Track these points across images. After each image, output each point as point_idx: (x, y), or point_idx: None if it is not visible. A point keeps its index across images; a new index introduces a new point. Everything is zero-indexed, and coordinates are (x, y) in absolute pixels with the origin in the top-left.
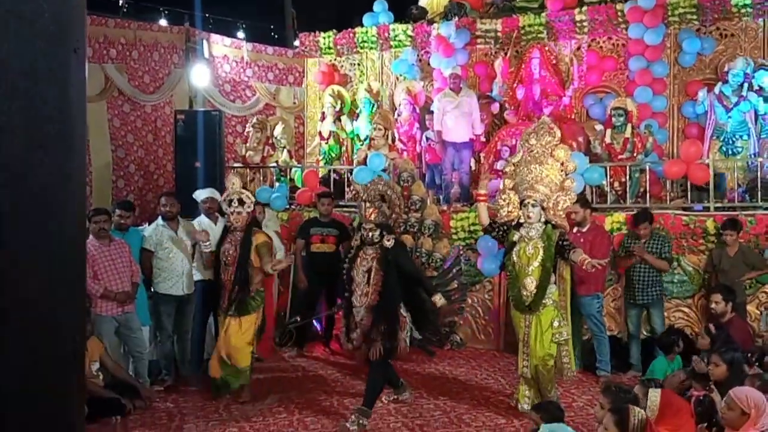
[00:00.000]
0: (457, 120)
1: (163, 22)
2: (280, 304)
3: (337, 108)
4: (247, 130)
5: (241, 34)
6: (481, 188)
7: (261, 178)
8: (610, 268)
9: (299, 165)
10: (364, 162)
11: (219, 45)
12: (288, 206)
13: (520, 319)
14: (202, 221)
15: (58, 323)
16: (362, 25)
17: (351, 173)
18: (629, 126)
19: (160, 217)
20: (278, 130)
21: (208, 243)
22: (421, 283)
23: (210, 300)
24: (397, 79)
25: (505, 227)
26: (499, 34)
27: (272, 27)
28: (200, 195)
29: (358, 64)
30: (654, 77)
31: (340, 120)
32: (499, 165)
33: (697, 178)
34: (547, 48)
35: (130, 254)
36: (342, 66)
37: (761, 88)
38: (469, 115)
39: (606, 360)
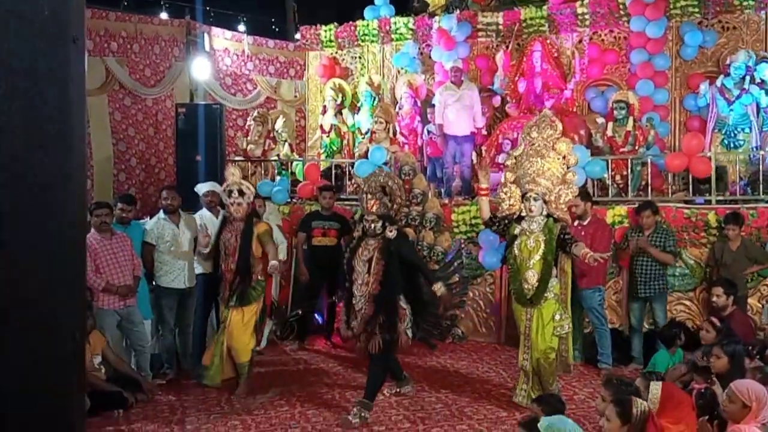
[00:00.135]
0: (459, 113)
1: (163, 15)
2: (282, 298)
3: (339, 101)
4: (248, 123)
5: (242, 27)
6: (482, 182)
7: (262, 172)
8: (611, 261)
9: (300, 158)
10: (365, 155)
11: (220, 38)
12: (289, 200)
13: (522, 313)
14: (203, 215)
15: (58, 323)
16: (363, 18)
17: (352, 167)
18: (631, 119)
19: (161, 211)
20: (279, 124)
21: (206, 249)
22: (423, 271)
23: (211, 293)
24: (399, 72)
25: (506, 221)
26: (501, 27)
27: (273, 20)
28: (202, 188)
29: (360, 58)
30: (656, 70)
31: (341, 113)
32: (500, 158)
33: (698, 171)
34: (548, 41)
35: (132, 248)
36: (343, 59)
37: (763, 81)
38: (471, 109)
39: (607, 353)
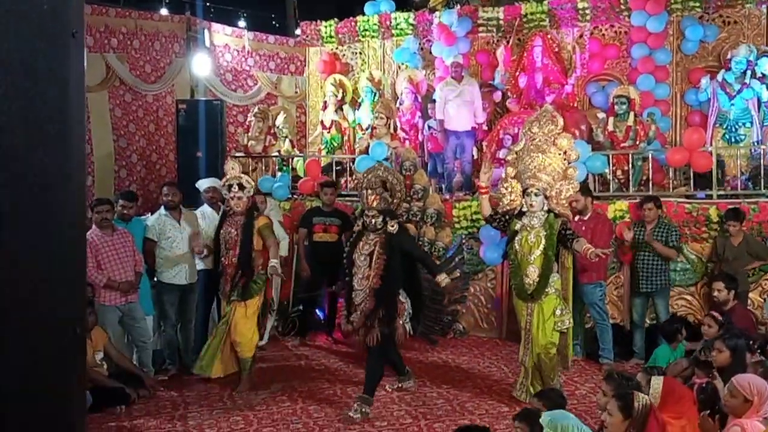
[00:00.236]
0: (459, 108)
1: (164, 11)
2: (283, 294)
3: (339, 97)
4: (248, 119)
5: (242, 23)
6: (482, 181)
7: (263, 168)
8: (612, 256)
9: (301, 154)
10: (366, 151)
11: (220, 34)
12: (290, 196)
13: (523, 308)
14: (205, 210)
15: (58, 322)
16: (364, 14)
17: (353, 162)
18: (632, 114)
19: (162, 207)
20: (280, 120)
21: (203, 254)
22: (426, 264)
23: (212, 289)
24: (399, 67)
25: (507, 217)
26: (501, 22)
27: (273, 16)
28: (203, 184)
29: (360, 53)
30: (656, 65)
31: (341, 109)
32: (501, 153)
33: (700, 166)
34: (549, 36)
35: (134, 244)
36: (344, 55)
37: (764, 75)
38: (471, 104)
39: (609, 348)
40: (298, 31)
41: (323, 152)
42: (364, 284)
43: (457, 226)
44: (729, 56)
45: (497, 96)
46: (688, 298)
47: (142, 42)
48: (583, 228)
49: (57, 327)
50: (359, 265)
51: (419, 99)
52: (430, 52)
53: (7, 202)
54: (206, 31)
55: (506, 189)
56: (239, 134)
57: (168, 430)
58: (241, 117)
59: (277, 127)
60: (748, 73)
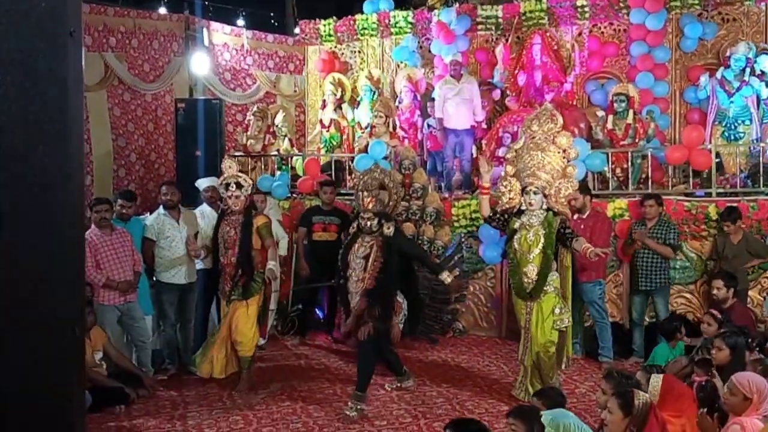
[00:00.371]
0: (458, 107)
1: (162, 10)
2: (283, 293)
3: (338, 96)
4: (247, 118)
5: (240, 22)
6: (484, 180)
7: (262, 167)
8: (612, 254)
9: (300, 153)
10: (365, 150)
11: (219, 33)
12: (289, 195)
13: (522, 306)
14: (204, 210)
15: (57, 322)
16: (362, 12)
17: (352, 161)
18: (631, 112)
19: (161, 206)
20: (279, 119)
21: (202, 256)
22: (427, 264)
23: (212, 288)
24: (398, 66)
25: (506, 215)
26: (500, 20)
27: (272, 14)
28: (202, 184)
29: (359, 52)
30: (655, 62)
31: (341, 108)
32: (500, 152)
33: (699, 164)
34: (548, 34)
35: (133, 243)
36: (342, 53)
37: (763, 72)
38: (470, 102)
39: (608, 346)
40: (296, 30)
41: (322, 151)
42: (359, 287)
43: (456, 224)
44: (728, 54)
45: (496, 94)
46: (688, 296)
47: (140, 41)
48: (582, 226)
49: (56, 327)
50: (354, 267)
51: (418, 97)
52: (429, 51)
53: (7, 202)
54: (205, 29)
55: (505, 187)
56: (238, 133)
57: (167, 429)
58: (240, 116)
59: (276, 126)
60: (747, 70)
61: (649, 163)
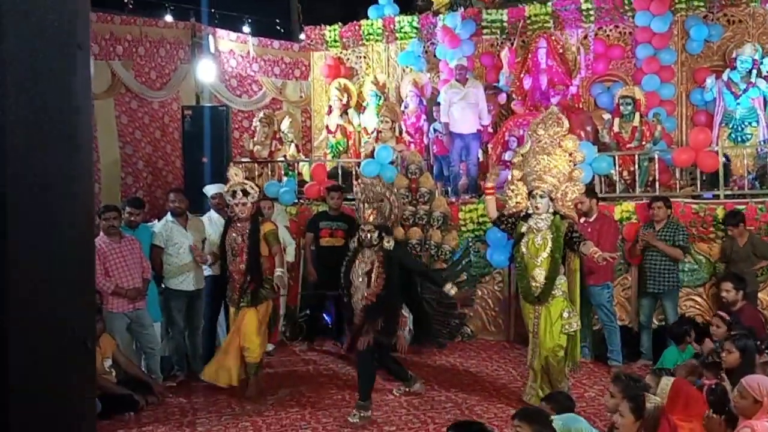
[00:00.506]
0: (464, 111)
1: (168, 18)
2: (290, 299)
3: (344, 101)
4: (254, 124)
5: (246, 29)
6: (489, 181)
7: (269, 173)
8: (620, 258)
9: (307, 159)
10: (371, 155)
11: (225, 40)
12: (296, 200)
13: (530, 311)
14: (212, 216)
15: (59, 324)
16: (368, 18)
17: (359, 166)
18: (637, 114)
19: (169, 213)
20: (285, 125)
21: (210, 261)
22: (430, 278)
23: (220, 294)
24: (404, 71)
25: (513, 219)
26: (505, 24)
27: (278, 21)
28: (210, 190)
29: (364, 57)
30: (661, 65)
31: (347, 113)
32: (506, 156)
33: (706, 166)
34: (553, 37)
35: (141, 251)
36: (348, 59)
37: None
38: (476, 106)
39: (617, 350)
40: (302, 36)
41: (329, 156)
42: (363, 304)
43: (463, 229)
44: (734, 55)
45: (502, 98)
46: (697, 298)
47: (147, 49)
48: (589, 230)
49: (59, 328)
50: (357, 285)
51: (424, 102)
52: (435, 55)
53: (8, 203)
54: (211, 37)
55: (512, 191)
56: (245, 140)
57: None
58: (247, 122)
59: (283, 132)
60: (754, 72)
61: (656, 165)
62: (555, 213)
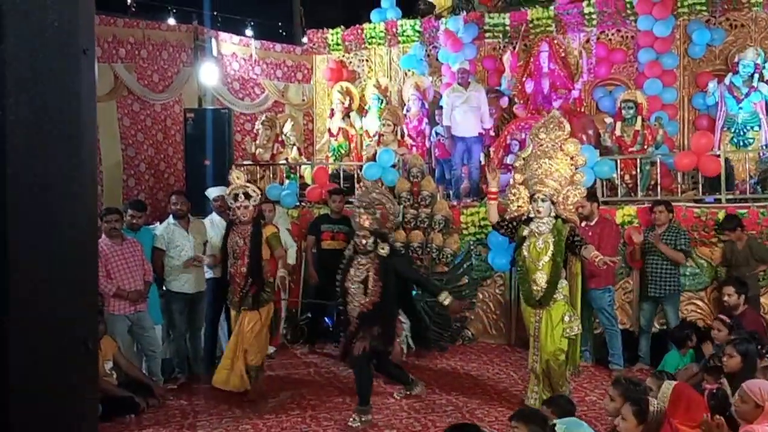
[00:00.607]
0: (466, 114)
1: (171, 21)
2: (292, 302)
3: (346, 104)
4: (256, 127)
5: (249, 32)
6: (491, 186)
7: (271, 176)
8: (621, 262)
9: (309, 162)
10: (373, 158)
11: (227, 43)
12: (298, 203)
13: (531, 314)
14: (213, 219)
15: (59, 324)
16: (370, 21)
17: (360, 169)
18: (639, 118)
19: (170, 216)
20: (287, 128)
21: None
22: (425, 287)
23: (221, 297)
24: (406, 74)
25: (515, 223)
26: (508, 27)
27: (280, 24)
28: (212, 193)
29: (367, 60)
30: (664, 69)
31: (349, 116)
32: (508, 159)
33: (708, 170)
34: (555, 41)
35: (143, 253)
36: (350, 62)
37: None
38: (478, 110)
39: (618, 354)
40: (304, 39)
41: (331, 160)
42: (358, 312)
43: (465, 232)
44: (736, 59)
45: (504, 102)
46: (698, 302)
47: (149, 52)
48: (590, 233)
49: (67, 337)
50: (353, 292)
51: (426, 105)
52: (437, 59)
53: (8, 202)
54: (213, 40)
55: (514, 195)
56: (247, 142)
57: None
58: (249, 125)
59: (285, 135)
60: (756, 76)
61: (658, 169)
62: (556, 217)
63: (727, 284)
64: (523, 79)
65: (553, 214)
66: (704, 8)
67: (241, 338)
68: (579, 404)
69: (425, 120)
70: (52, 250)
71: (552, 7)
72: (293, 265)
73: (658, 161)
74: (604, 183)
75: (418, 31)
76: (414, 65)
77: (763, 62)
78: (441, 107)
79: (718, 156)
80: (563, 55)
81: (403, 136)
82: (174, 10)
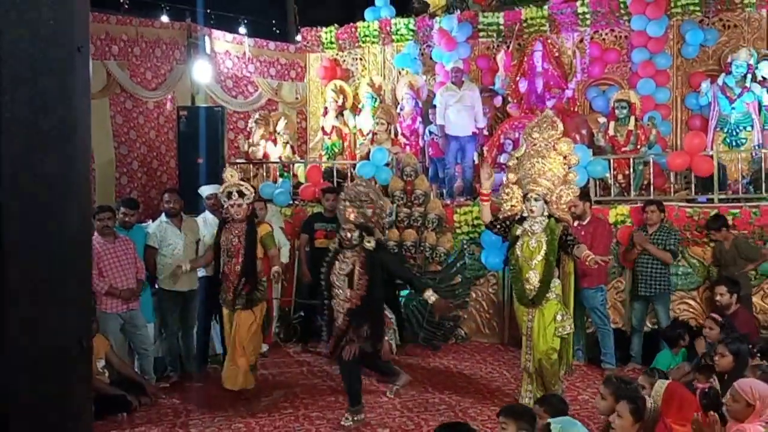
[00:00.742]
0: (460, 114)
1: (164, 19)
2: (285, 300)
3: (340, 103)
4: (249, 125)
5: (242, 30)
6: (484, 187)
7: (264, 174)
8: (613, 261)
9: (302, 160)
10: (367, 157)
11: (221, 41)
12: (291, 202)
13: (524, 313)
14: (206, 217)
15: (56, 322)
16: (364, 20)
17: (354, 168)
18: (632, 118)
19: (163, 214)
20: (281, 126)
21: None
22: (411, 283)
23: (213, 295)
24: (400, 73)
25: (508, 222)
26: (502, 27)
27: (274, 22)
28: (205, 191)
29: (360, 59)
30: (657, 69)
31: (342, 115)
32: (502, 158)
33: (701, 170)
34: (549, 40)
35: (135, 251)
36: (344, 61)
37: (764, 78)
38: (472, 109)
39: (611, 353)
40: (298, 38)
41: (324, 158)
42: (345, 307)
43: (458, 231)
44: (729, 60)
45: (498, 101)
46: (691, 302)
47: (142, 49)
48: (583, 233)
49: (63, 335)
50: (338, 286)
51: (420, 104)
52: (431, 58)
53: (7, 202)
54: (207, 37)
55: (507, 195)
56: (240, 140)
57: None
58: (242, 123)
59: (278, 133)
60: (749, 76)
61: (651, 169)
62: (549, 216)
63: (719, 284)
64: (517, 78)
65: (546, 213)
66: (697, 8)
67: (239, 338)
68: (572, 403)
69: (419, 119)
70: (46, 249)
71: (546, 7)
72: (286, 264)
73: (651, 161)
74: (597, 182)
75: (412, 30)
76: (408, 64)
77: (755, 63)
78: (435, 106)
79: (711, 156)
80: (557, 54)
81: (396, 134)
82: (167, 8)
